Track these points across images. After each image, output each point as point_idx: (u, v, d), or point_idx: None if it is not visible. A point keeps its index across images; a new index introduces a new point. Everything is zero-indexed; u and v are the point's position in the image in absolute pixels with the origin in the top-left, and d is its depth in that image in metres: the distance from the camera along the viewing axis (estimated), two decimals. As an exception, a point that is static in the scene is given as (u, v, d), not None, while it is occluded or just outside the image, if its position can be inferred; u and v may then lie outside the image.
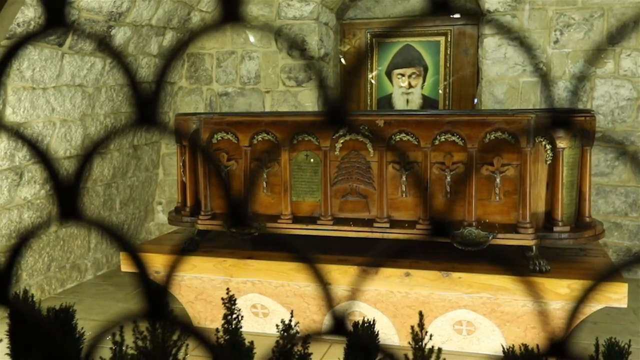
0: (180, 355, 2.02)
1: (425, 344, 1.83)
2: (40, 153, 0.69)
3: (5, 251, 4.27)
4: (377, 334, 2.06)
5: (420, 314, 1.85)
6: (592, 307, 3.35)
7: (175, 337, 2.06)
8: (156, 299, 0.65)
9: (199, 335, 0.67)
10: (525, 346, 1.75)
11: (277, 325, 2.09)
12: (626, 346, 2.05)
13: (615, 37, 5.09)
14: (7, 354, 1.98)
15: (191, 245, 4.05)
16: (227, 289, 2.27)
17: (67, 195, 0.63)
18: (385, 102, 6.10)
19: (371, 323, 2.03)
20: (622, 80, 5.11)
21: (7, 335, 2.01)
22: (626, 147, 5.14)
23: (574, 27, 5.17)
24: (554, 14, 5.21)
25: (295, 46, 5.65)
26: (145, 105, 0.61)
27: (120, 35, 4.91)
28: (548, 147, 3.56)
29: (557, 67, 5.22)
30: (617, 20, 5.09)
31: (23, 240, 0.69)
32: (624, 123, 5.13)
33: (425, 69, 5.97)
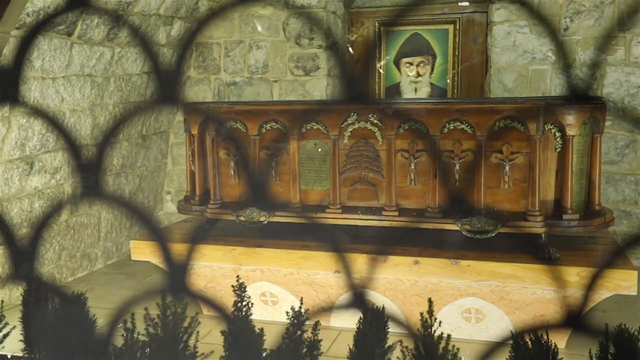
0: (191, 342, 2.04)
1: (434, 331, 1.84)
2: (64, 133, 0.70)
3: (21, 239, 4.30)
4: (387, 320, 2.07)
5: (430, 301, 1.85)
6: (602, 294, 3.35)
7: (186, 324, 2.07)
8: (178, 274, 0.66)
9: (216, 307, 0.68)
10: (535, 333, 1.75)
11: (287, 313, 2.11)
12: (636, 332, 2.05)
13: (626, 24, 5.05)
14: (20, 340, 2.00)
15: (200, 234, 4.07)
16: (237, 276, 2.28)
17: (91, 174, 0.64)
18: (394, 91, 6.08)
19: (381, 310, 2.04)
20: (633, 67, 5.07)
21: (21, 321, 2.03)
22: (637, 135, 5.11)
23: (584, 14, 5.13)
24: (564, 1, 5.17)
25: (319, 28, 5.62)
26: (168, 81, 0.61)
27: (128, 25, 4.91)
28: (558, 134, 3.54)
29: (567, 54, 5.18)
30: (628, 7, 5.05)
31: (47, 217, 0.70)
32: (634, 111, 5.10)
33: (434, 58, 5.94)
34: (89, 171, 0.64)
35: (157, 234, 0.68)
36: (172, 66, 0.69)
